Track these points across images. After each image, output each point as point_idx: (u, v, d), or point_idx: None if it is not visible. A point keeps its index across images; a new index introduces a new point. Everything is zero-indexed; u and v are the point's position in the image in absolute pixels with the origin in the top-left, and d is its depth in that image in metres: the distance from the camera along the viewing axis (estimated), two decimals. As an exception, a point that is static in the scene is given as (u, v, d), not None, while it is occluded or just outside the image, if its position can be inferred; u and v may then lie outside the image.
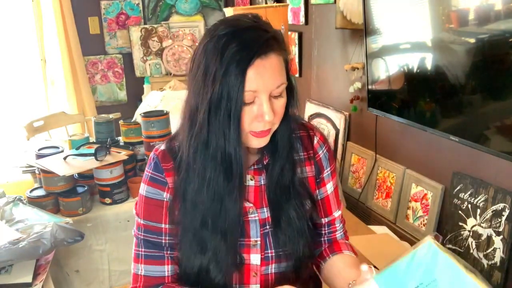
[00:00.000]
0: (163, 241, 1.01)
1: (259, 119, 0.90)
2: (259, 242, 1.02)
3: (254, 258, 1.02)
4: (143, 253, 1.02)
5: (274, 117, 0.92)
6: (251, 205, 1.02)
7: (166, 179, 1.00)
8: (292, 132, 1.02)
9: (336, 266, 1.05)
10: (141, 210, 1.03)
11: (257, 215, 1.02)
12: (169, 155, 1.02)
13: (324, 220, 1.11)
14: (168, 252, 1.02)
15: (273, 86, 0.89)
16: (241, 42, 0.86)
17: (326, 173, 1.09)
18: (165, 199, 1.01)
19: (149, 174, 1.02)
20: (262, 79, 0.87)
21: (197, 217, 0.97)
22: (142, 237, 1.02)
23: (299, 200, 1.02)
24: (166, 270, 1.02)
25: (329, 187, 1.10)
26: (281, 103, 0.93)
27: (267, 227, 1.02)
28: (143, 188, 1.03)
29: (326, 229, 1.12)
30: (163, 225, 1.01)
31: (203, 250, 0.98)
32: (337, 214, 1.12)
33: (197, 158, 0.95)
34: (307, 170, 1.07)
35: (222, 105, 0.88)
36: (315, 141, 1.09)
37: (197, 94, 0.92)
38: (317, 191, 1.10)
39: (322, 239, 1.12)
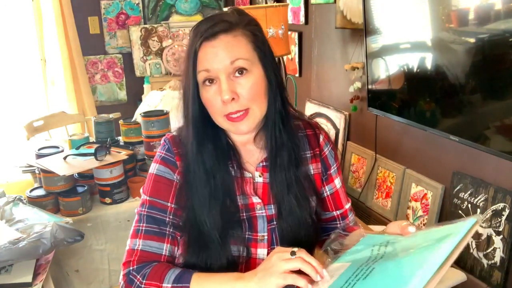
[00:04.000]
0: (167, 219, 1.01)
1: (222, 99, 0.94)
2: (266, 237, 1.03)
3: (261, 253, 1.04)
4: (143, 228, 1.00)
5: (240, 97, 0.95)
6: (259, 201, 1.03)
7: (176, 162, 1.03)
8: (287, 116, 1.04)
9: (352, 237, 1.09)
10: (149, 187, 1.03)
11: (264, 211, 1.03)
12: (179, 141, 1.05)
13: (336, 213, 1.15)
14: (171, 230, 1.01)
15: (225, 62, 0.93)
16: (196, 31, 0.96)
17: (333, 169, 1.12)
18: (175, 180, 1.02)
19: (162, 154, 1.04)
20: (211, 58, 0.93)
21: (198, 203, 1.00)
22: (145, 213, 1.01)
23: (301, 192, 1.04)
24: (164, 248, 1.00)
25: (337, 182, 1.14)
26: (247, 83, 0.95)
27: (274, 223, 1.04)
28: (154, 167, 1.04)
29: (341, 221, 1.15)
30: (169, 204, 1.01)
31: (204, 236, 0.99)
32: (347, 206, 1.16)
33: (185, 142, 1.02)
34: (313, 167, 1.09)
35: (186, 90, 0.97)
36: (321, 139, 1.12)
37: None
38: (326, 187, 1.13)
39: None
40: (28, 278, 1.45)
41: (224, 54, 0.93)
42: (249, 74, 0.95)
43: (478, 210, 1.62)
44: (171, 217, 1.01)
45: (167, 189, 1.02)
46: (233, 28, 0.95)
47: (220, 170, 1.00)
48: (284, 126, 1.02)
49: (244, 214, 1.02)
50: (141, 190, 1.06)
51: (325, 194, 1.13)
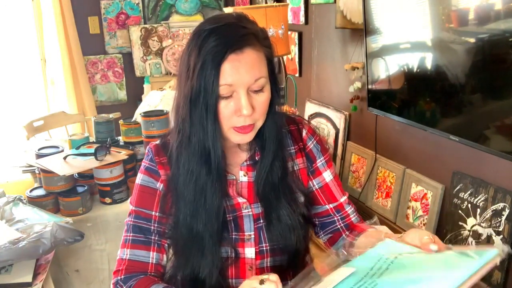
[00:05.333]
0: (152, 227, 1.04)
1: (238, 113, 0.92)
2: (253, 236, 1.04)
3: (249, 252, 1.04)
4: (130, 237, 1.04)
5: (254, 112, 0.93)
6: (245, 200, 1.04)
7: (159, 170, 1.04)
8: (280, 129, 1.04)
9: (368, 240, 1.04)
10: (135, 197, 1.06)
11: (250, 210, 1.04)
12: (162, 150, 1.05)
13: (330, 207, 1.12)
14: (156, 238, 1.04)
15: (250, 80, 0.91)
16: (218, 38, 0.89)
17: (320, 162, 1.11)
18: (158, 189, 1.04)
19: (146, 165, 1.06)
20: (237, 73, 0.89)
21: (186, 210, 0.99)
22: (131, 223, 1.05)
23: (290, 197, 1.04)
24: (151, 256, 1.04)
25: (327, 175, 1.12)
26: (262, 98, 0.94)
27: (261, 221, 1.04)
28: (139, 178, 1.07)
29: (337, 215, 1.13)
30: (153, 213, 1.04)
31: (192, 243, 0.99)
32: (342, 199, 1.14)
33: (183, 151, 0.98)
34: (298, 162, 1.09)
35: (200, 99, 0.91)
36: (304, 133, 1.11)
37: (180, 89, 0.96)
38: (314, 180, 1.11)
39: (338, 225, 1.13)
40: (28, 278, 1.45)
41: (250, 71, 0.91)
42: (264, 91, 0.94)
43: (478, 210, 1.62)
44: (156, 225, 1.04)
45: (151, 198, 1.04)
46: (257, 42, 0.92)
47: (204, 175, 0.98)
48: (274, 128, 1.02)
49: (230, 215, 1.02)
50: (128, 200, 1.08)
51: (313, 188, 1.12)
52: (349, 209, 1.14)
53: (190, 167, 0.98)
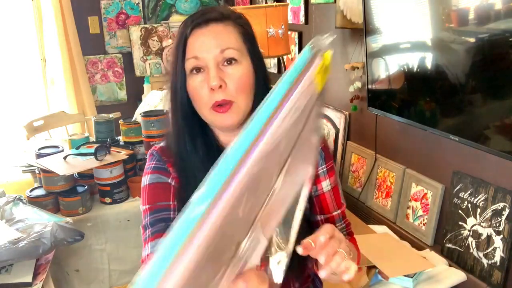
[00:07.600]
0: (172, 215, 0.98)
1: (209, 88, 0.92)
2: None
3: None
4: (150, 232, 0.97)
5: (227, 87, 0.92)
6: None
7: (168, 168, 1.01)
8: None
9: None
10: (146, 197, 1.01)
11: None
12: (167, 151, 1.03)
13: (321, 217, 1.08)
14: None
15: (215, 50, 0.92)
16: (188, 20, 0.96)
17: (321, 170, 1.07)
18: (171, 183, 1.00)
19: (152, 165, 1.03)
20: (201, 43, 0.92)
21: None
22: (149, 220, 0.98)
23: None
24: None
25: (325, 185, 1.08)
26: (235, 72, 0.93)
27: None
28: (146, 179, 1.02)
29: None
30: (171, 202, 0.99)
31: None
32: (335, 212, 1.09)
33: (176, 136, 1.02)
34: None
35: (174, 80, 0.97)
36: None
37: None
38: (312, 187, 1.07)
39: None
40: (28, 278, 1.45)
41: (215, 42, 0.92)
42: (238, 65, 0.93)
43: (478, 210, 1.62)
44: (176, 213, 0.98)
45: (165, 192, 1.00)
46: (225, 18, 0.95)
47: (194, 156, 0.98)
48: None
49: None
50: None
51: (312, 195, 1.07)
52: (340, 225, 1.09)
53: (186, 148, 0.99)
